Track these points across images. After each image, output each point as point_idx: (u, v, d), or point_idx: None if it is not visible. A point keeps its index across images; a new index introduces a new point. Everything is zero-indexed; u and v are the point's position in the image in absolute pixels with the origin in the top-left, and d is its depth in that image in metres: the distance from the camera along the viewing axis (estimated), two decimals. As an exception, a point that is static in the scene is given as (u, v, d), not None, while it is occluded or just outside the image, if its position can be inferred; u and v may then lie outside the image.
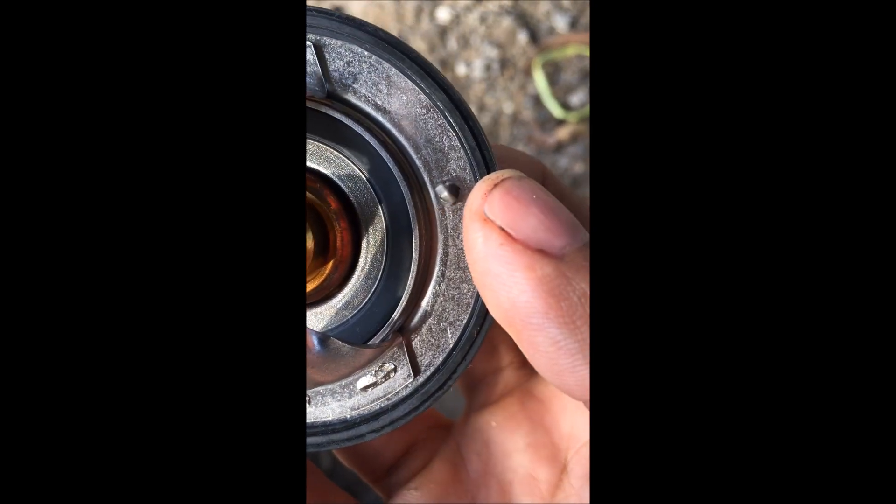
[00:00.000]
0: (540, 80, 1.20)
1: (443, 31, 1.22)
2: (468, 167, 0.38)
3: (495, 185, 0.35)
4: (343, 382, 0.41)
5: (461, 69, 1.21)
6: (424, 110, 0.38)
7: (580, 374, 0.33)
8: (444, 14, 1.22)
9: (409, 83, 0.38)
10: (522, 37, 1.22)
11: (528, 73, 1.21)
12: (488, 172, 0.38)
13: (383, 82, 0.38)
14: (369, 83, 0.38)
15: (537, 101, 1.21)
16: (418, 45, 1.22)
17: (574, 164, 1.20)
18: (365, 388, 0.40)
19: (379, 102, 0.38)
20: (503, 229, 0.34)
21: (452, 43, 1.22)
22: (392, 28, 1.22)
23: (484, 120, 1.20)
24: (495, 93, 1.21)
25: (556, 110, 1.20)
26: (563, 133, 1.20)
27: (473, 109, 1.20)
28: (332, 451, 0.50)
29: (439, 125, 0.38)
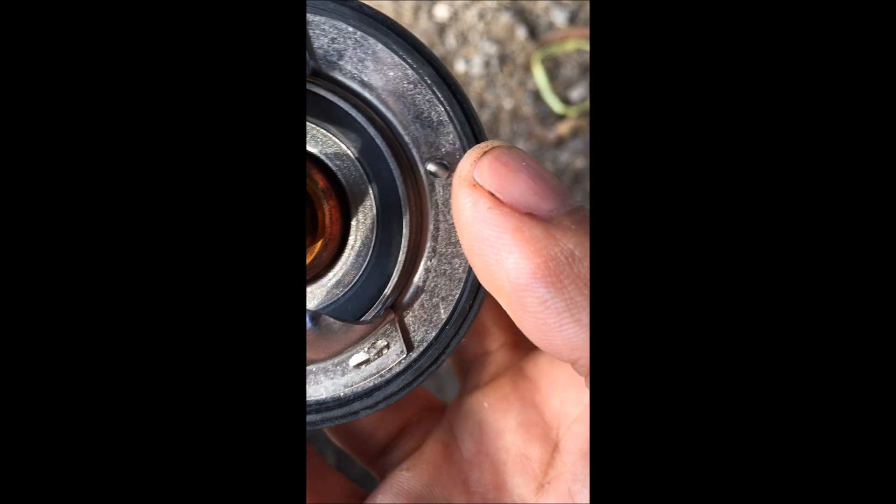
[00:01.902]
0: (539, 76, 1.20)
1: (441, 29, 1.22)
2: (458, 142, 0.38)
3: (484, 153, 0.35)
4: (336, 360, 0.41)
5: (460, 66, 1.21)
6: (412, 85, 0.38)
7: (567, 333, 0.34)
8: (442, 11, 1.23)
9: (396, 58, 0.38)
10: (521, 32, 1.22)
11: (527, 68, 1.22)
12: None
13: (369, 58, 0.38)
14: (355, 59, 0.38)
15: (537, 96, 1.21)
16: (417, 42, 1.22)
17: (575, 160, 1.20)
18: (358, 366, 0.40)
19: (365, 79, 0.38)
20: (492, 194, 0.34)
21: (451, 40, 1.22)
22: (391, 26, 1.23)
23: (484, 116, 1.20)
24: (495, 89, 1.22)
25: (556, 105, 1.20)
26: (563, 128, 1.20)
27: (473, 106, 1.20)
28: (332, 439, 0.50)
29: (427, 100, 0.38)
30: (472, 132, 0.38)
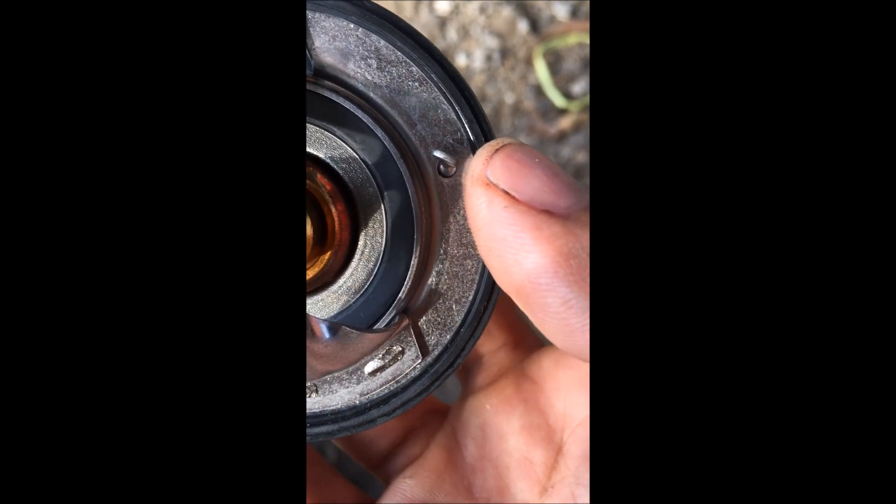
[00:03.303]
0: (541, 70, 1.19)
1: (442, 23, 1.22)
2: (466, 140, 0.37)
3: (496, 151, 0.34)
4: (350, 369, 0.40)
5: (461, 60, 1.20)
6: (417, 83, 0.37)
7: None
8: (443, 5, 1.22)
9: (400, 55, 0.37)
10: (523, 26, 1.21)
11: (529, 62, 1.21)
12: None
13: (372, 56, 0.37)
14: (357, 58, 0.37)
15: (539, 90, 1.20)
16: (417, 38, 1.21)
17: (577, 154, 1.19)
18: (373, 373, 0.40)
19: (369, 77, 0.37)
20: (507, 192, 0.33)
21: (452, 34, 1.21)
22: (390, 23, 1.22)
23: (485, 111, 1.19)
24: (496, 83, 1.21)
25: (557, 100, 1.19)
26: (565, 122, 1.19)
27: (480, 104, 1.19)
28: (336, 444, 0.50)
29: (434, 98, 0.37)
30: (481, 130, 0.37)
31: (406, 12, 1.22)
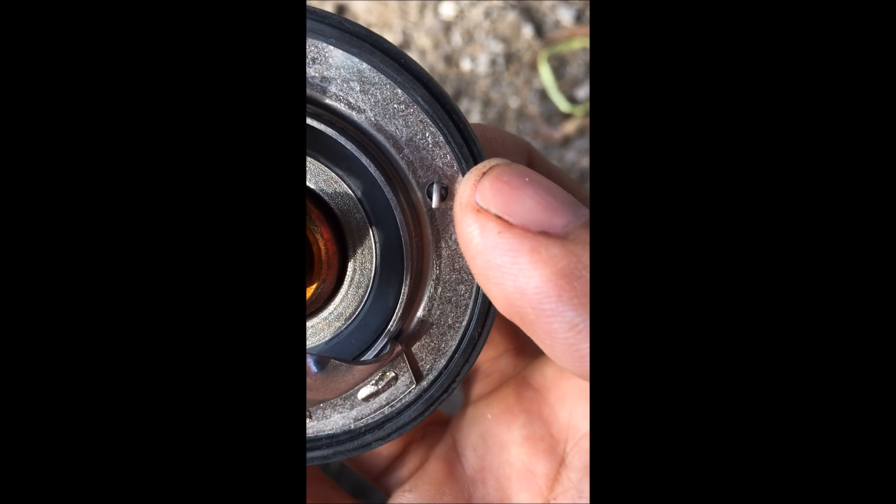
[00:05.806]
0: (546, 75, 1.19)
1: (447, 27, 1.21)
2: (455, 164, 0.36)
3: (484, 174, 0.33)
4: (344, 395, 0.40)
5: (466, 64, 1.20)
6: (403, 106, 0.35)
7: None
8: (448, 10, 1.21)
9: (384, 78, 0.35)
10: (527, 31, 1.21)
11: (533, 67, 1.20)
12: None
13: (355, 79, 0.35)
14: (339, 80, 0.35)
15: (543, 95, 1.20)
16: (423, 41, 1.21)
17: (581, 159, 1.19)
18: (367, 398, 0.39)
19: (352, 101, 0.35)
20: (499, 217, 0.32)
21: (457, 38, 1.21)
22: (396, 25, 1.22)
23: (489, 115, 1.19)
24: (500, 88, 1.20)
25: (562, 104, 1.19)
26: (569, 127, 1.19)
27: (478, 105, 1.19)
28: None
29: (420, 121, 0.35)
30: (471, 153, 0.36)
31: (411, 17, 1.22)
